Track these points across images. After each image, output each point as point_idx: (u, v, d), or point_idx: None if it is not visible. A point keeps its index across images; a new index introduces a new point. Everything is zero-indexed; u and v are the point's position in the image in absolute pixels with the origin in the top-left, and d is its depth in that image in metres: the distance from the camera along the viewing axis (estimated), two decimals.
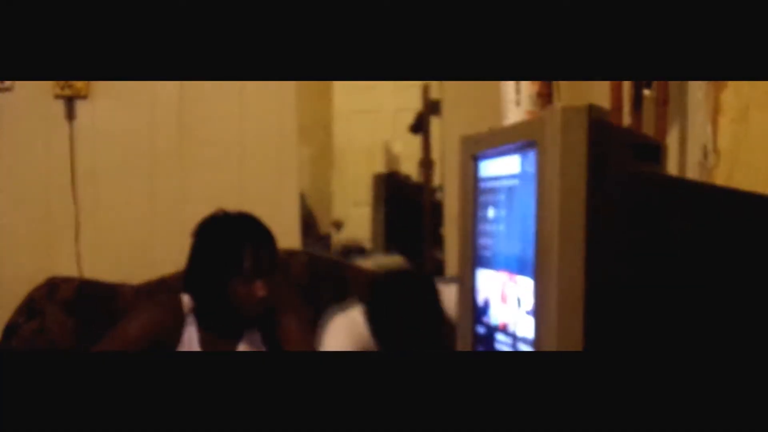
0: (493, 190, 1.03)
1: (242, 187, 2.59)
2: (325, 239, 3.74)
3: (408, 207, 3.55)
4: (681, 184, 1.16)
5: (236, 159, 2.61)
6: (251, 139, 2.62)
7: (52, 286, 2.33)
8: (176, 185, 2.58)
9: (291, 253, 2.41)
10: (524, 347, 0.92)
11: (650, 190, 0.90)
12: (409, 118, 3.42)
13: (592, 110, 0.82)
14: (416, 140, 3.41)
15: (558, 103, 1.45)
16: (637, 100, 1.61)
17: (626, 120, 1.61)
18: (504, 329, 0.99)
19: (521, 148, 0.92)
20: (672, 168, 1.48)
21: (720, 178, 1.34)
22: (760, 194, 0.98)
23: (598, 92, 1.56)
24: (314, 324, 1.85)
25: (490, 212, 1.04)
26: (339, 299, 1.96)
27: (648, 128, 1.57)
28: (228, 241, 1.85)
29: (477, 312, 1.09)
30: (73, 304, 2.30)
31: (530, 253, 0.86)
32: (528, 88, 1.35)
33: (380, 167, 3.91)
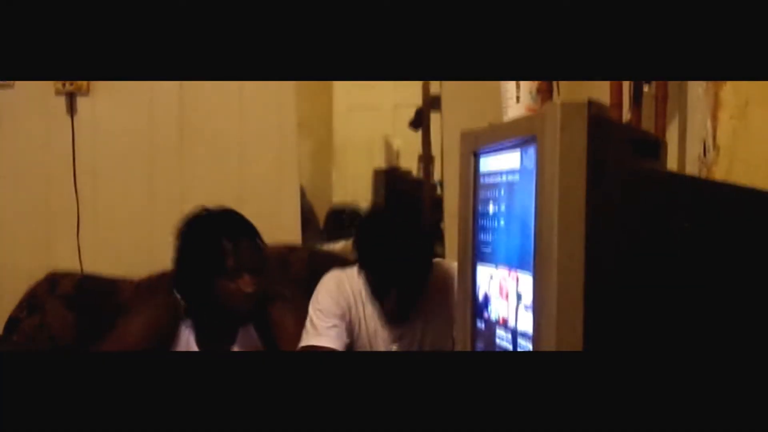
0: (493, 186, 1.03)
1: (242, 182, 2.59)
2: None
3: (407, 203, 3.54)
4: (680, 179, 1.16)
5: (236, 154, 2.62)
6: (251, 135, 2.62)
7: (53, 281, 2.33)
8: (177, 180, 2.58)
9: (291, 249, 2.41)
10: (524, 342, 0.92)
11: (649, 185, 0.90)
12: (409, 113, 3.42)
13: (592, 106, 0.82)
14: (416, 136, 3.40)
15: (558, 99, 1.45)
16: (637, 96, 1.61)
17: (626, 116, 1.61)
18: (504, 324, 0.99)
19: (521, 144, 0.93)
20: (671, 164, 1.48)
21: (719, 174, 1.34)
22: (760, 190, 0.98)
23: (598, 88, 1.55)
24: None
25: (490, 208, 1.04)
26: None
27: (647, 124, 1.57)
28: (208, 239, 1.81)
29: (477, 307, 1.09)
30: (74, 299, 2.30)
31: (530, 248, 0.87)
32: (528, 84, 1.35)
33: (380, 163, 3.90)
